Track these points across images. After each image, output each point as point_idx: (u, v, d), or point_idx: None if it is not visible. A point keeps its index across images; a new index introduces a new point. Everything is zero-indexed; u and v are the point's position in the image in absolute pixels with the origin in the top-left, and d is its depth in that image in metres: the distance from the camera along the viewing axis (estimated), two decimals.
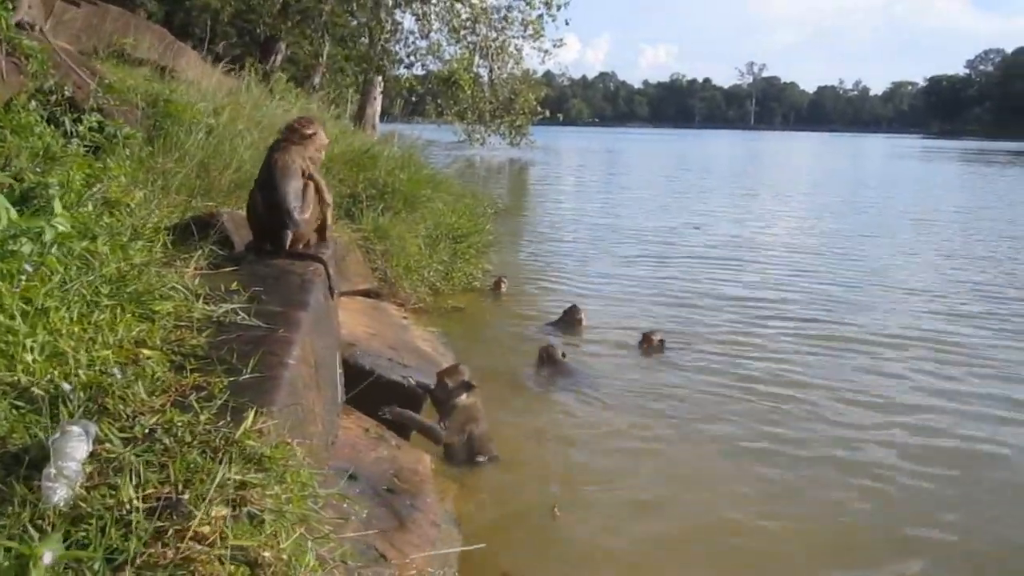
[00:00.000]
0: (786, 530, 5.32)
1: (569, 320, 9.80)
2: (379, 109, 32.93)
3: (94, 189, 4.99)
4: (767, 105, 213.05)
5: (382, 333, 7.61)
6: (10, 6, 7.37)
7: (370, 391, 5.92)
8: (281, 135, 5.61)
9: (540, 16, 31.17)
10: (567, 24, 35.07)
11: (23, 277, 3.04)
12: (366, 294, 9.01)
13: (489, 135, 34.38)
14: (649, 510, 5.57)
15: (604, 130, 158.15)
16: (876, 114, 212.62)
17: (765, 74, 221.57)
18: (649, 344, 8.99)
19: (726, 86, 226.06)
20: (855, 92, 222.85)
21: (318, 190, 5.37)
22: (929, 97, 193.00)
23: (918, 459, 6.42)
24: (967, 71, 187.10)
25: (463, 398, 6.09)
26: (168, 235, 5.20)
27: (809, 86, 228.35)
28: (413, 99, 33.66)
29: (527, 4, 31.16)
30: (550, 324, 9.86)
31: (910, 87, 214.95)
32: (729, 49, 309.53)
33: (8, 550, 2.01)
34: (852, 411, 7.41)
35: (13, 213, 3.36)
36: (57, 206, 3.57)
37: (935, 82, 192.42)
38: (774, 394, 7.75)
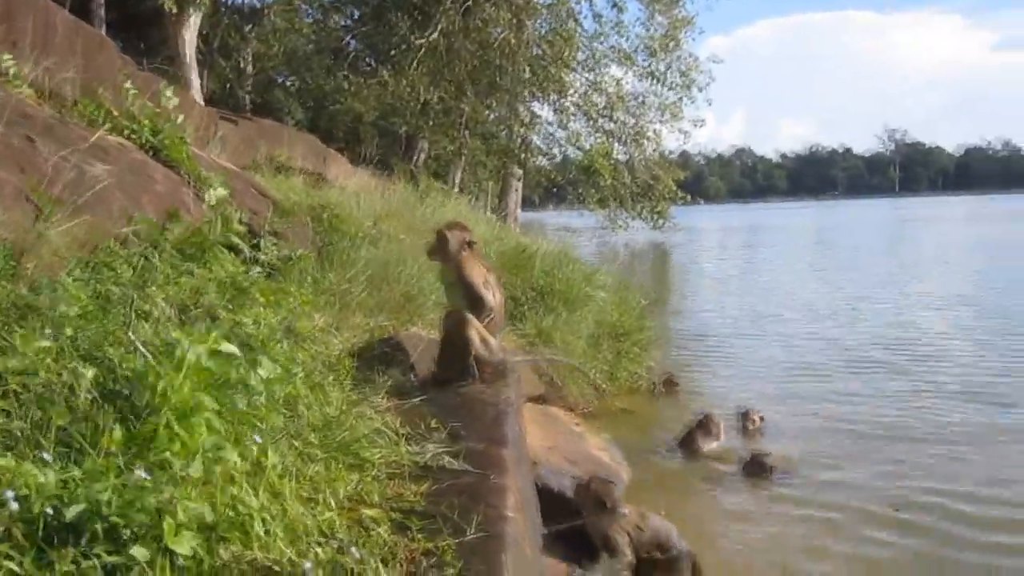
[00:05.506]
0: None
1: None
2: (520, 199, 33.33)
3: (278, 318, 5.01)
4: (912, 170, 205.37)
5: (558, 445, 7.43)
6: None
7: (554, 510, 5.72)
8: (461, 247, 5.54)
9: (680, 99, 31.03)
10: (709, 104, 34.25)
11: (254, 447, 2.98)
12: (535, 400, 8.87)
13: (631, 220, 34.18)
14: None
15: (743, 206, 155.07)
16: None
17: (907, 140, 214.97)
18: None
19: (867, 154, 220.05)
20: (1005, 152, 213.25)
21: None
22: None
23: None
24: None
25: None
26: (352, 361, 5.21)
27: (955, 149, 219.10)
28: (554, 188, 33.96)
29: (667, 88, 31.04)
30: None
31: None
32: (867, 118, 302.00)
33: None
34: None
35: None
36: (267, 364, 3.53)
37: None
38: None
